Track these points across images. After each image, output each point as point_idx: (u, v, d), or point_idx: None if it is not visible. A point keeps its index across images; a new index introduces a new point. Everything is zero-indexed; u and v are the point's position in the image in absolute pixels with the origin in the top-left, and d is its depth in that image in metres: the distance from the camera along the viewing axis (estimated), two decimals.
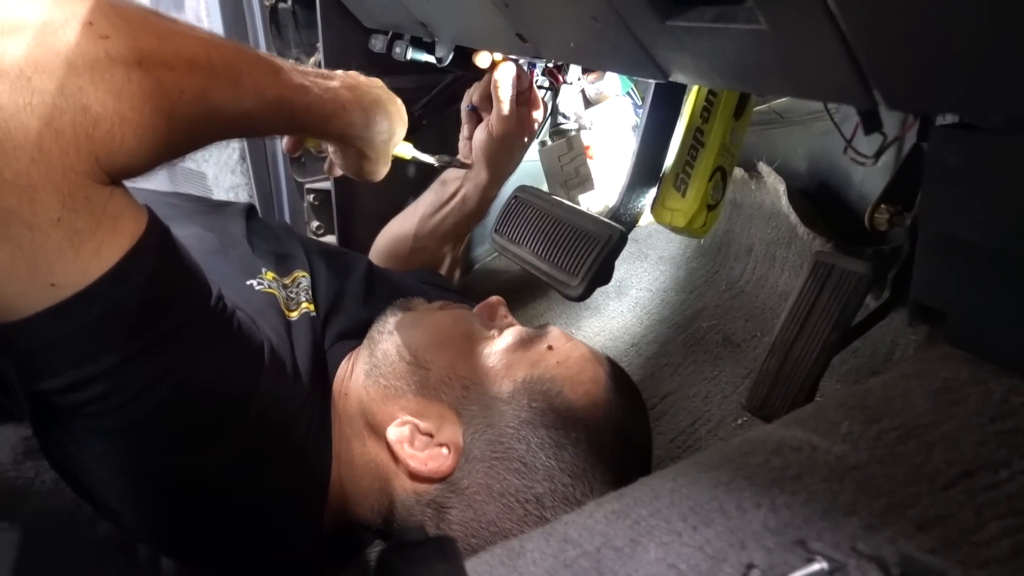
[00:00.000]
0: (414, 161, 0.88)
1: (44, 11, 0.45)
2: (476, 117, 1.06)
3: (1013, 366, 0.51)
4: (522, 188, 0.93)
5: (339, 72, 0.74)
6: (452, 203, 1.12)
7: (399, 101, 0.80)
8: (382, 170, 0.83)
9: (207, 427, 0.57)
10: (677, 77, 0.51)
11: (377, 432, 0.69)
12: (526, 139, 1.05)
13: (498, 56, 0.99)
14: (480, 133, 1.04)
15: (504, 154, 1.05)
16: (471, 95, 1.05)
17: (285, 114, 0.64)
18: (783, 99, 0.92)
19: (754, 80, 0.45)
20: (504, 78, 0.98)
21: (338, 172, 0.87)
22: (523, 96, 1.01)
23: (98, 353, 0.50)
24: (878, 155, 0.59)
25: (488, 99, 1.01)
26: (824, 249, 0.85)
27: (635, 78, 1.11)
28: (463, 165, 0.99)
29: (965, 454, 0.45)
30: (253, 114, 0.60)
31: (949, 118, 0.56)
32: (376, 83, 0.78)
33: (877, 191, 0.69)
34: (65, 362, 0.50)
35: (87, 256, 0.48)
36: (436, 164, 0.91)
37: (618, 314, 1.13)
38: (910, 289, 0.58)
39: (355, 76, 0.75)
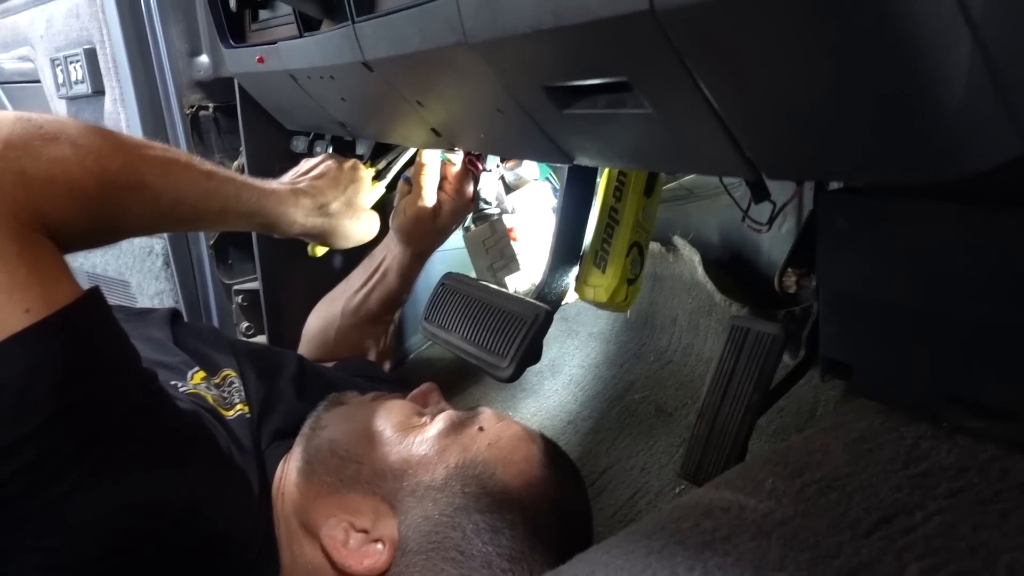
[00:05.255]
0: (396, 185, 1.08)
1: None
2: (409, 188, 1.08)
3: (919, 412, 0.53)
4: (448, 275, 0.95)
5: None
6: (376, 276, 1.13)
7: (340, 166, 0.97)
8: (370, 225, 0.98)
9: (136, 509, 0.55)
10: (581, 160, 0.54)
11: (312, 532, 0.67)
12: (441, 226, 1.06)
13: None
14: (400, 207, 1.06)
15: (418, 232, 1.07)
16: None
17: (218, 197, 0.74)
18: (691, 176, 0.98)
19: (648, 159, 0.48)
20: (431, 163, 1.01)
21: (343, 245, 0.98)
22: (451, 186, 1.04)
23: (34, 402, 0.51)
24: (770, 222, 0.63)
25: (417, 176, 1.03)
26: (740, 314, 0.89)
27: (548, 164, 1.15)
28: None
29: (883, 500, 0.46)
30: (185, 192, 0.70)
31: (836, 184, 0.60)
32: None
33: (784, 256, 0.73)
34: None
35: (49, 285, 0.54)
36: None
37: (553, 392, 1.14)
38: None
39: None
